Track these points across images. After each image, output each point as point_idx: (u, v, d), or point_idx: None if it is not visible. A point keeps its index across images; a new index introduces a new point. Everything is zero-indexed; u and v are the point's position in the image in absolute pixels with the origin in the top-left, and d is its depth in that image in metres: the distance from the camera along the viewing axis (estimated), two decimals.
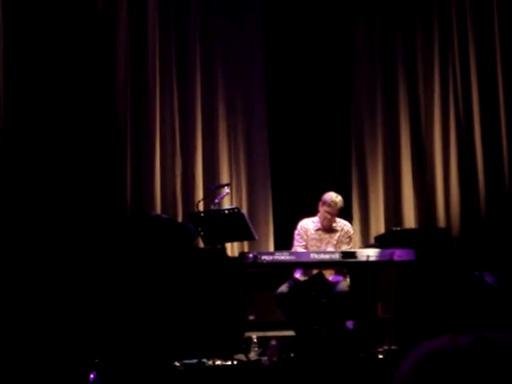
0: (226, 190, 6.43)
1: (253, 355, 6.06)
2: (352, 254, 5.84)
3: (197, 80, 7.71)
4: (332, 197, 6.22)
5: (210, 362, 5.79)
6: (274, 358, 5.92)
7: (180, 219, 7.37)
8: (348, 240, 6.29)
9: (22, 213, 6.79)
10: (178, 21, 7.77)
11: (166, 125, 7.59)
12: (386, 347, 6.06)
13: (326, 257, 5.85)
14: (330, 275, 6.14)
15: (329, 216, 6.20)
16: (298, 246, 6.23)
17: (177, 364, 5.75)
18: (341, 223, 6.35)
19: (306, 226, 6.31)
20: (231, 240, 6.66)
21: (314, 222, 6.32)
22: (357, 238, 7.35)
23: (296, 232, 6.32)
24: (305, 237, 6.27)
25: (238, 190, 7.69)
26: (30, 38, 7.08)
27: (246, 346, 6.07)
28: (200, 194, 7.42)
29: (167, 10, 7.74)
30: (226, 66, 7.85)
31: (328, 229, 6.27)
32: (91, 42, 7.35)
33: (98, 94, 7.31)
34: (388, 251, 5.85)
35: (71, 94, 7.17)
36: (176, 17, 7.77)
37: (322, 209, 6.24)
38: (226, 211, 5.98)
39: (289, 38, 7.98)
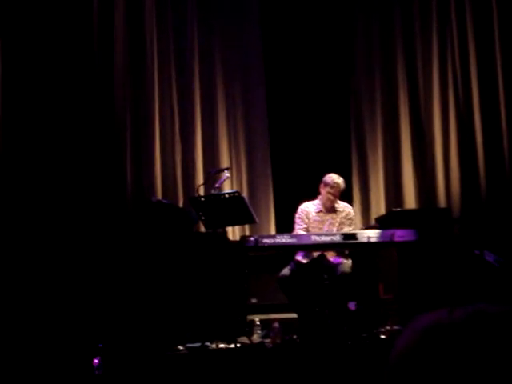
0: (226, 174, 6.44)
1: (256, 338, 6.09)
2: (353, 236, 5.86)
3: (195, 65, 7.70)
4: (334, 178, 6.22)
5: (214, 346, 5.81)
6: (277, 341, 5.94)
7: (181, 204, 7.39)
8: (350, 222, 6.30)
9: (23, 199, 6.81)
10: (175, 9, 7.75)
11: (165, 110, 7.59)
12: (388, 327, 6.08)
13: (327, 239, 5.86)
14: (331, 257, 6.15)
15: (332, 197, 6.22)
16: (300, 230, 6.24)
17: (180, 348, 5.78)
18: (342, 205, 6.36)
19: (306, 209, 6.32)
20: (232, 224, 6.67)
21: (314, 204, 6.33)
22: (358, 220, 7.37)
23: (297, 215, 6.33)
24: (306, 220, 6.28)
25: (238, 174, 7.70)
26: (27, 36, 7.09)
27: (249, 328, 6.09)
28: (200, 178, 7.43)
29: (164, 2, 7.72)
30: (224, 51, 7.84)
31: (330, 210, 6.28)
32: (88, 26, 7.33)
33: (96, 82, 7.31)
34: (389, 232, 5.86)
35: (71, 82, 7.17)
36: (173, 6, 7.75)
37: (323, 190, 6.24)
38: (227, 195, 5.99)
39: (287, 22, 7.96)
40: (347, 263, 6.13)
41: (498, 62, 7.68)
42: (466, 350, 0.86)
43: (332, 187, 6.19)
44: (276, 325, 6.03)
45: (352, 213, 6.43)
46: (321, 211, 6.30)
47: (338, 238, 5.85)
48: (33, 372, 5.33)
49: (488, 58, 7.74)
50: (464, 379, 0.85)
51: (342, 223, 6.26)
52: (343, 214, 6.31)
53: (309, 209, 6.31)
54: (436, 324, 0.89)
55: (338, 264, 6.10)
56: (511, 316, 0.87)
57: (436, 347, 0.88)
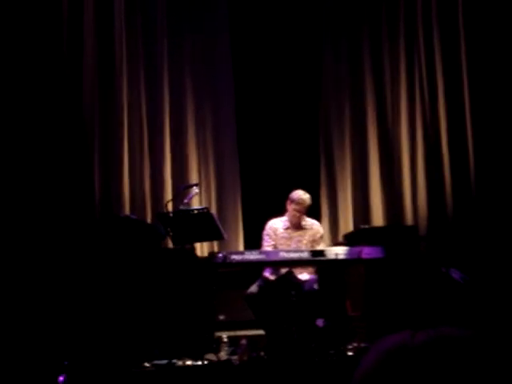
0: (195, 190, 6.43)
1: (223, 355, 6.07)
2: (321, 253, 5.88)
3: (164, 81, 7.70)
4: (300, 195, 6.25)
5: (181, 363, 5.78)
6: (245, 358, 5.93)
7: (149, 219, 7.35)
8: (321, 241, 6.35)
9: None
10: (145, 20, 7.75)
11: (134, 125, 7.56)
12: (355, 344, 6.10)
13: (295, 255, 5.87)
14: (299, 274, 6.17)
15: (298, 214, 6.23)
16: (267, 246, 6.24)
17: (147, 365, 5.73)
18: (310, 221, 6.39)
19: (274, 226, 6.33)
20: (200, 240, 6.66)
21: (282, 221, 6.34)
22: (326, 236, 7.39)
23: (264, 232, 6.34)
24: (273, 236, 6.29)
25: (207, 190, 7.69)
26: None
27: (217, 345, 6.06)
28: (169, 194, 7.41)
29: (134, 8, 7.71)
30: (194, 66, 7.85)
31: (297, 227, 6.30)
32: (57, 39, 7.29)
33: (64, 97, 7.25)
34: (356, 249, 5.90)
35: (37, 95, 7.10)
36: (143, 15, 7.74)
37: (290, 207, 6.27)
38: (196, 211, 5.98)
39: (256, 36, 8.00)
40: (315, 280, 6.15)
41: (465, 80, 7.80)
42: (428, 372, 0.87)
43: (298, 203, 6.21)
44: (243, 342, 6.01)
45: (321, 231, 6.45)
46: (288, 228, 6.31)
47: (305, 255, 5.86)
48: None
49: (455, 76, 7.85)
50: None
51: (313, 241, 6.27)
52: (312, 232, 6.33)
53: (276, 225, 6.33)
54: (399, 346, 0.91)
55: (306, 281, 6.12)
56: (472, 341, 0.89)
57: (398, 369, 0.89)
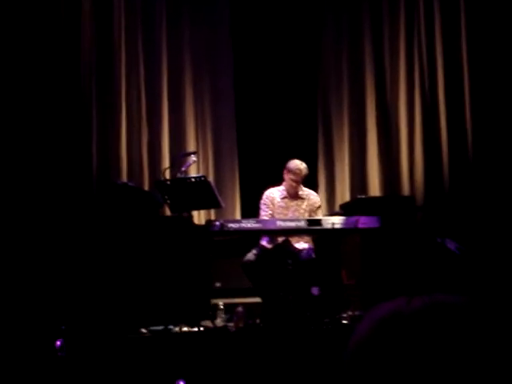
0: (193, 158, 6.43)
1: (219, 322, 6.12)
2: (317, 222, 5.90)
3: (163, 49, 7.66)
4: (297, 164, 6.24)
5: (177, 329, 5.83)
6: (241, 325, 5.98)
7: (146, 187, 7.36)
8: (319, 211, 6.35)
9: None
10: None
11: (132, 93, 7.54)
12: (350, 313, 6.16)
13: (292, 224, 5.89)
14: (296, 242, 6.19)
15: (294, 184, 6.24)
16: (265, 216, 6.25)
17: (143, 331, 5.78)
18: (307, 191, 6.39)
19: (271, 195, 6.33)
20: (198, 208, 6.68)
21: (279, 190, 6.35)
22: (323, 206, 7.41)
23: (262, 202, 6.34)
24: (271, 206, 6.30)
25: (205, 159, 7.69)
26: None
27: (213, 312, 6.11)
28: (166, 162, 7.41)
29: None
30: (193, 35, 7.80)
31: (294, 196, 6.31)
32: (55, 12, 7.24)
33: (62, 65, 7.22)
34: (353, 219, 5.91)
35: (35, 67, 7.08)
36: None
37: (287, 176, 6.27)
38: (193, 179, 5.98)
39: (256, 13, 7.95)
40: (311, 249, 6.18)
41: (464, 55, 7.76)
42: (423, 339, 0.88)
43: (294, 173, 6.21)
44: (239, 309, 6.06)
45: (318, 201, 6.45)
46: (286, 197, 6.32)
47: (302, 224, 5.88)
48: None
49: (454, 50, 7.81)
50: (419, 369, 0.87)
51: (311, 211, 6.29)
52: (310, 202, 6.33)
53: (274, 195, 6.33)
54: (393, 313, 0.91)
55: (302, 249, 6.14)
56: (467, 307, 0.90)
57: (393, 336, 0.90)
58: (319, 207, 6.37)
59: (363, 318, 0.95)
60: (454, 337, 0.87)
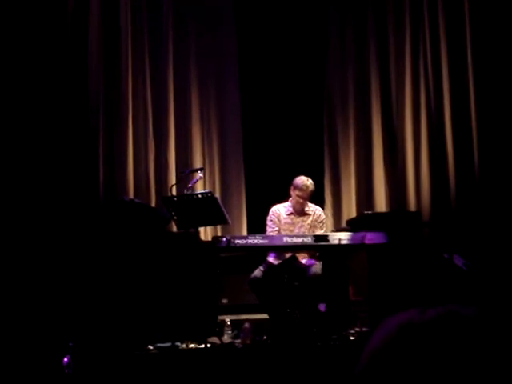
0: (200, 174, 6.45)
1: (226, 338, 6.10)
2: (324, 238, 5.89)
3: (170, 65, 7.70)
4: (303, 180, 6.26)
5: (184, 346, 5.82)
6: (248, 341, 5.97)
7: (153, 204, 7.37)
8: (321, 225, 6.35)
9: None
10: (150, 9, 7.75)
11: (139, 109, 7.57)
12: (357, 329, 6.14)
13: (299, 240, 5.89)
14: (303, 258, 6.19)
15: (301, 200, 6.24)
16: (271, 232, 6.26)
17: (150, 347, 5.77)
18: (313, 207, 6.40)
19: (277, 212, 6.34)
20: (205, 224, 6.67)
21: (285, 206, 6.36)
22: (329, 222, 7.42)
23: (268, 218, 6.35)
24: (277, 222, 6.31)
25: (211, 175, 7.71)
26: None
27: (220, 329, 6.10)
28: (173, 178, 7.43)
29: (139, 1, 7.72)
30: (199, 50, 7.84)
31: (300, 212, 6.32)
32: (62, 26, 7.30)
33: (69, 82, 7.27)
34: (359, 234, 5.90)
35: (43, 83, 7.12)
36: (149, 9, 7.74)
37: (293, 193, 6.28)
38: (200, 195, 5.99)
39: (262, 23, 7.99)
40: (318, 265, 6.17)
41: (470, 74, 7.76)
42: (437, 349, 0.88)
43: (301, 190, 6.22)
44: (246, 325, 6.05)
45: (323, 215, 6.46)
46: (292, 213, 6.33)
47: (309, 240, 5.87)
48: (3, 370, 5.29)
49: (460, 62, 7.82)
50: (434, 378, 0.87)
51: (313, 226, 6.29)
52: (314, 217, 6.34)
53: (280, 211, 6.34)
54: (408, 323, 0.92)
55: (309, 266, 6.14)
56: (481, 317, 0.90)
57: (407, 346, 0.90)
58: (322, 222, 6.37)
59: (377, 328, 0.95)
60: (467, 347, 0.88)
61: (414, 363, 0.89)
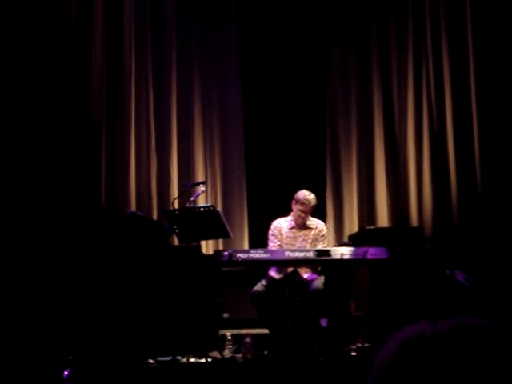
0: (202, 187, 6.44)
1: (227, 352, 6.08)
2: (326, 252, 5.88)
3: (172, 79, 7.71)
4: (305, 195, 6.26)
5: (185, 360, 5.79)
6: (249, 356, 5.94)
7: (155, 217, 7.36)
8: (323, 239, 6.34)
9: None
10: (154, 23, 7.77)
11: (141, 122, 7.58)
12: (359, 344, 6.11)
13: (301, 255, 5.88)
14: (304, 273, 6.17)
15: (302, 214, 6.24)
16: (273, 246, 6.25)
17: (151, 361, 5.75)
18: (314, 221, 6.39)
19: (279, 226, 6.33)
20: (206, 238, 6.66)
21: (287, 220, 6.35)
22: (331, 237, 7.40)
23: (270, 232, 6.34)
24: (279, 236, 6.30)
25: (214, 188, 7.70)
26: (3, 40, 7.06)
27: (221, 343, 6.08)
28: (175, 191, 7.42)
29: (143, 11, 7.74)
30: (202, 65, 7.86)
31: (302, 226, 6.31)
32: (66, 42, 7.32)
33: (73, 92, 7.28)
34: (361, 250, 5.90)
35: (46, 95, 7.14)
36: (152, 19, 7.77)
37: (295, 207, 6.27)
38: (202, 209, 5.99)
39: (265, 35, 8.01)
40: (320, 280, 6.15)
41: (472, 86, 7.78)
42: (448, 362, 0.87)
43: (303, 204, 6.22)
44: (247, 340, 6.02)
45: (325, 230, 6.46)
46: (293, 227, 6.32)
47: (311, 254, 5.87)
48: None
49: (462, 81, 7.84)
50: None
51: (315, 240, 6.29)
52: (316, 231, 6.33)
53: (281, 225, 6.33)
54: (419, 335, 0.91)
55: (311, 280, 6.12)
56: (493, 330, 0.89)
57: (418, 358, 0.89)
58: (323, 236, 6.36)
59: (388, 340, 0.94)
60: (479, 359, 0.87)
61: (424, 378, 0.88)
